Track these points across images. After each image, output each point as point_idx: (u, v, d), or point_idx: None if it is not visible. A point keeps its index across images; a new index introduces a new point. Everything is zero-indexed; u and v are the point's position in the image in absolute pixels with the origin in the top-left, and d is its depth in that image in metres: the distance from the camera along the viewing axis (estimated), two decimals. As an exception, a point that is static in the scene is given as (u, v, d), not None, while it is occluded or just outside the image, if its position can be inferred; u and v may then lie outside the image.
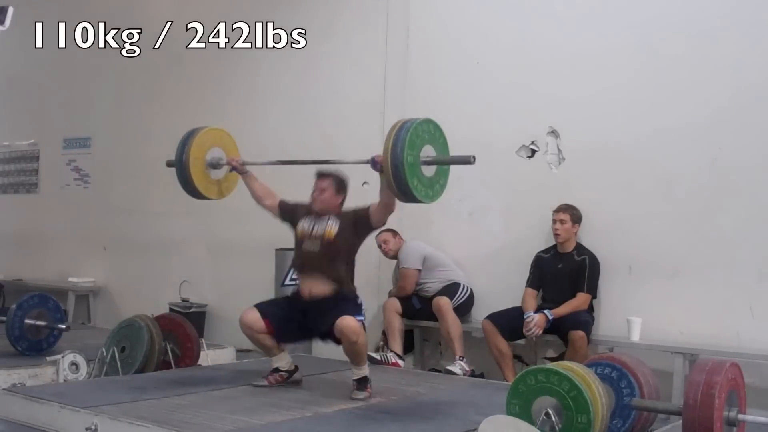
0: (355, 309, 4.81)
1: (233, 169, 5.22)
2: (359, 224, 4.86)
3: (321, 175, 4.93)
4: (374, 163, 4.52)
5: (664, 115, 5.92)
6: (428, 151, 4.43)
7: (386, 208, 4.76)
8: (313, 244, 4.87)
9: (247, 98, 8.26)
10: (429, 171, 4.45)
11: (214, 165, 5.20)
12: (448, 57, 6.97)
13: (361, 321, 4.79)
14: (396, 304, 6.42)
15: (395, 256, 6.67)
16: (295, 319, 4.94)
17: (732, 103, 5.66)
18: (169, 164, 5.20)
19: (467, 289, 6.43)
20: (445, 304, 6.18)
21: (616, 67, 6.13)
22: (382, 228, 5.85)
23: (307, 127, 7.76)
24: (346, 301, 4.83)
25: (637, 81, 6.04)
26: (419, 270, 6.50)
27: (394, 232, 6.64)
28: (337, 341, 4.82)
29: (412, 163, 4.27)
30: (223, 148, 5.25)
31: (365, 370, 4.85)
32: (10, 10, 8.48)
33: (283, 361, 5.06)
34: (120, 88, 9.38)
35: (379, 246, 6.63)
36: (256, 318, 4.94)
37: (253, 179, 5.27)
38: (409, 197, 4.38)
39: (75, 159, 9.81)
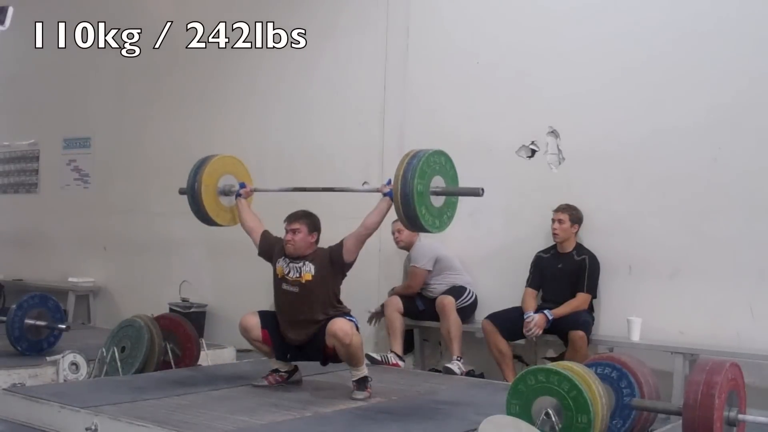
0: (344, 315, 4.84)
1: (238, 195, 5.25)
2: (334, 263, 4.85)
3: (292, 218, 4.90)
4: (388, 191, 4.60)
5: (664, 115, 5.92)
6: (438, 182, 4.50)
7: (365, 230, 4.77)
8: (291, 286, 4.88)
9: (246, 98, 8.27)
10: (438, 201, 4.52)
11: (226, 192, 5.25)
12: (448, 57, 6.96)
13: (353, 322, 4.80)
14: (398, 303, 6.39)
15: (405, 248, 6.59)
16: (289, 347, 4.98)
17: (732, 103, 5.66)
18: (182, 192, 5.27)
19: (472, 294, 6.40)
20: (449, 303, 6.16)
21: (617, 67, 6.13)
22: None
23: (307, 127, 7.76)
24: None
25: (637, 81, 6.04)
26: (429, 271, 6.47)
27: None
28: (338, 359, 4.85)
29: (422, 192, 4.35)
30: (236, 175, 5.31)
31: (364, 371, 4.85)
32: (10, 10, 8.48)
33: (282, 362, 5.07)
34: (120, 88, 9.38)
35: (393, 233, 6.52)
36: (255, 324, 4.96)
37: (246, 207, 5.27)
38: (416, 225, 4.48)
39: (75, 159, 9.81)
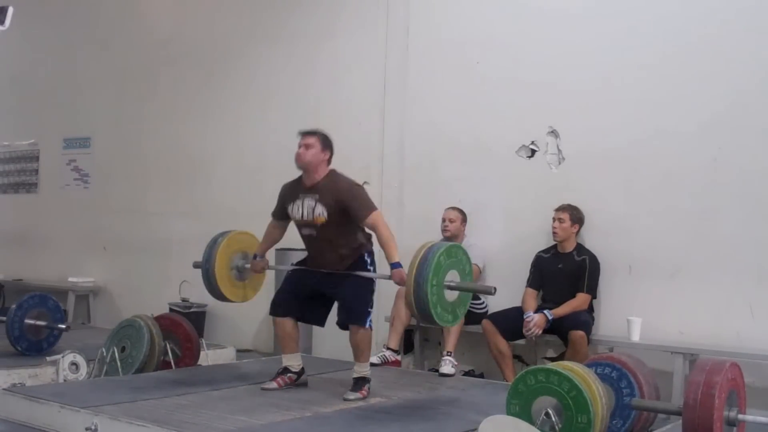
0: (365, 304, 4.82)
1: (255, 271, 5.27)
2: (350, 214, 4.74)
3: (306, 133, 4.86)
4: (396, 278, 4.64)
5: (664, 115, 5.92)
6: (453, 276, 4.48)
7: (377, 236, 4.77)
8: (309, 229, 4.84)
9: (246, 98, 8.26)
10: (451, 296, 4.50)
11: (240, 270, 5.26)
12: (448, 57, 6.96)
13: (369, 313, 4.83)
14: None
15: (451, 238, 6.38)
16: (306, 294, 4.95)
17: (732, 103, 5.66)
18: (196, 266, 5.30)
19: (485, 305, 6.33)
20: None
21: (616, 66, 6.13)
22: (453, 206, 6.28)
23: (307, 126, 7.74)
24: (357, 282, 4.81)
25: (637, 81, 6.04)
26: (481, 271, 6.37)
27: (464, 216, 6.46)
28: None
29: (436, 291, 4.34)
30: (250, 251, 5.28)
31: (366, 370, 4.85)
32: (10, 10, 8.46)
33: (295, 360, 5.05)
34: (120, 88, 9.38)
35: (444, 220, 6.41)
36: (291, 326, 5.01)
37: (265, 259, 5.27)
38: (429, 322, 4.50)
39: (75, 159, 9.80)
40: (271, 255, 7.19)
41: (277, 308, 5.02)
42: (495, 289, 4.68)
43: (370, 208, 4.76)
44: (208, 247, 5.21)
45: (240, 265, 5.25)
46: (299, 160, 4.81)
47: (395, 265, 4.64)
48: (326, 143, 4.86)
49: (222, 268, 5.16)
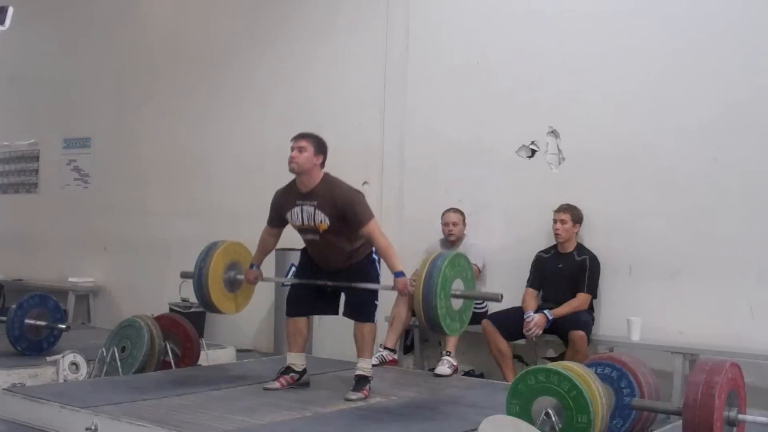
0: (371, 299, 4.87)
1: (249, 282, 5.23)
2: (350, 223, 4.72)
3: (299, 136, 4.80)
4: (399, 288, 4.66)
5: (664, 115, 5.92)
6: (458, 285, 4.52)
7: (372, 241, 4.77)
8: (311, 234, 4.83)
9: (246, 98, 8.26)
10: (457, 304, 4.54)
11: (232, 282, 5.21)
12: (448, 57, 6.96)
13: (375, 306, 4.88)
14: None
15: (455, 242, 6.41)
16: (317, 289, 4.96)
17: (732, 103, 5.66)
18: (185, 276, 5.31)
19: (485, 305, 6.31)
20: None
21: (616, 66, 6.13)
22: (452, 207, 6.31)
23: (307, 127, 7.70)
24: (364, 272, 4.84)
25: (637, 81, 6.04)
26: (480, 271, 6.37)
27: (463, 217, 6.46)
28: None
29: (445, 304, 4.39)
30: (242, 261, 5.23)
31: (368, 369, 4.85)
32: (10, 10, 8.47)
33: (299, 360, 5.05)
34: (120, 88, 9.38)
35: (447, 224, 6.41)
36: (303, 323, 5.04)
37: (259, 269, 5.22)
38: (440, 333, 4.61)
39: (75, 159, 9.81)
40: (270, 255, 7.24)
41: (293, 308, 5.03)
42: (502, 296, 4.71)
43: (367, 216, 4.72)
44: (198, 262, 5.12)
45: (231, 276, 5.19)
46: (292, 164, 4.74)
47: (398, 274, 4.64)
48: (320, 146, 4.78)
49: (215, 280, 5.08)
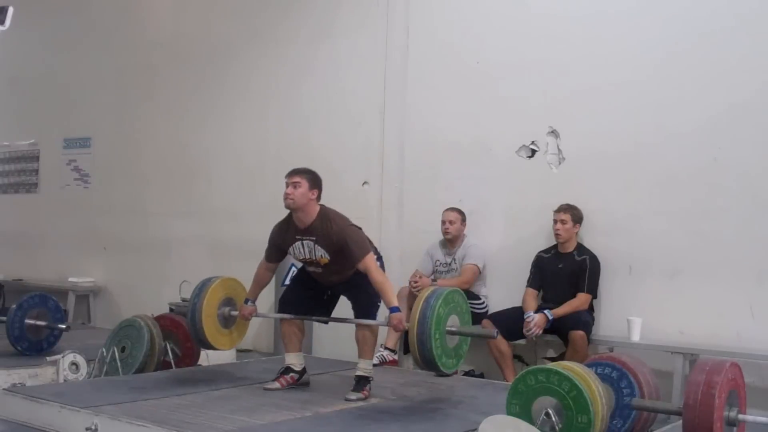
0: (372, 300, 4.89)
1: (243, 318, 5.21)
2: (346, 257, 4.76)
3: (293, 172, 4.83)
4: (394, 324, 4.66)
5: (664, 115, 5.92)
6: (453, 321, 4.56)
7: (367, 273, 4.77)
8: (314, 267, 4.90)
9: (246, 98, 8.26)
10: (452, 341, 4.58)
11: (226, 318, 5.20)
12: (448, 57, 6.96)
13: (377, 305, 4.88)
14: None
15: (452, 240, 6.45)
16: (314, 292, 5.03)
17: (732, 103, 5.65)
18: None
19: (485, 305, 6.34)
20: None
21: (617, 66, 6.12)
22: (452, 207, 6.31)
23: (306, 127, 7.76)
24: (363, 282, 4.82)
25: (637, 81, 6.03)
26: (480, 272, 6.38)
27: (463, 216, 6.47)
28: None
29: (440, 344, 4.43)
30: (235, 297, 5.22)
31: (369, 368, 4.86)
32: (10, 10, 8.48)
33: (297, 360, 5.07)
34: (120, 88, 9.38)
35: (444, 222, 6.42)
36: (297, 325, 5.07)
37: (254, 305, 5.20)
38: (434, 370, 4.59)
39: (75, 159, 9.81)
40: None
41: (286, 307, 5.06)
42: (498, 332, 4.80)
43: (363, 252, 4.74)
44: (193, 294, 5.11)
45: (226, 311, 5.17)
46: (288, 200, 4.76)
47: (393, 310, 4.65)
48: (314, 181, 4.82)
49: (209, 316, 5.07)
